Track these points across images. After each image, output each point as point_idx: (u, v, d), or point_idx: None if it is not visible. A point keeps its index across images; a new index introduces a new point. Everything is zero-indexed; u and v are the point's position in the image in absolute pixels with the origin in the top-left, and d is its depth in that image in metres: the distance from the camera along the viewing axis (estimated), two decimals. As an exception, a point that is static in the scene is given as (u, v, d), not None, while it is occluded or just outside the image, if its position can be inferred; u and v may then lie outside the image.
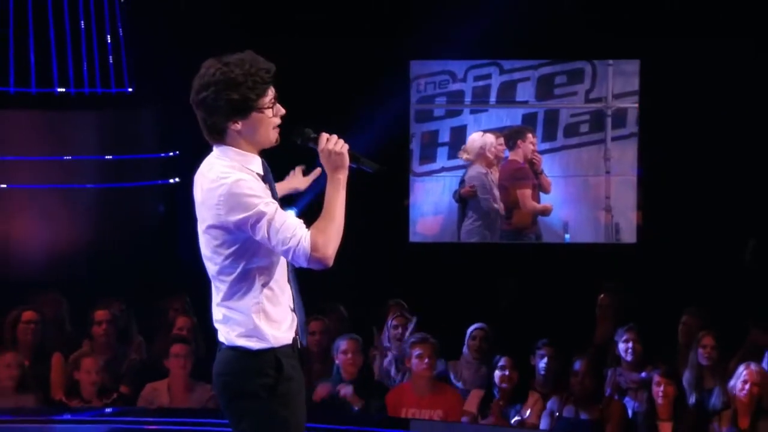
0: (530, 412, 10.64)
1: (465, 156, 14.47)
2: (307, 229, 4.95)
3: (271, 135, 5.17)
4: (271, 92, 5.16)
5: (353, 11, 15.22)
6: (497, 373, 10.95)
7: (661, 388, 10.20)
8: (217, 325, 5.32)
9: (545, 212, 14.82)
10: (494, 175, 14.63)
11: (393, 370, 11.60)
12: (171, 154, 16.15)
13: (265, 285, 5.14)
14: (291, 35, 15.57)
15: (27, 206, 15.68)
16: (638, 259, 14.37)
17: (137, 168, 16.01)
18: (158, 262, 14.90)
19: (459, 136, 14.86)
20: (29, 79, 15.32)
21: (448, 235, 14.98)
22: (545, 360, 11.11)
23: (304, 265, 5.06)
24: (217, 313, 5.28)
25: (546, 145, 14.64)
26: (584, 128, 14.67)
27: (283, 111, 5.25)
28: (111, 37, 15.90)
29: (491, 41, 14.61)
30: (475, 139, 14.46)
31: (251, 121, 5.11)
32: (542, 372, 11.15)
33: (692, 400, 10.81)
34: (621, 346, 11.36)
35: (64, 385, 11.98)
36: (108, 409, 11.52)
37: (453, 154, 14.80)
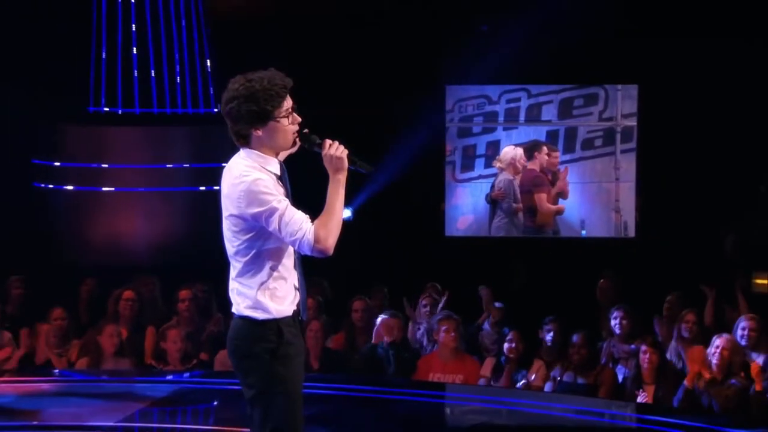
0: (535, 377, 10.57)
1: (498, 165, 14.44)
2: (311, 224, 5.07)
3: (288, 140, 5.20)
4: (286, 103, 5.14)
5: (399, 43, 14.69)
6: (506, 345, 10.90)
7: (647, 357, 10.14)
8: (231, 297, 5.28)
9: (559, 212, 14.60)
10: (518, 181, 14.59)
11: (425, 341, 11.44)
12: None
13: (273, 267, 5.17)
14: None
15: (132, 206, 15.54)
16: (636, 251, 14.20)
17: (220, 174, 15.49)
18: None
19: (493, 149, 14.69)
20: (133, 100, 15.10)
21: (482, 230, 14.76)
22: (551, 333, 10.86)
23: (308, 253, 5.15)
24: (232, 286, 5.26)
25: (566, 157, 14.40)
26: (598, 143, 14.37)
27: (299, 119, 5.21)
28: (200, 65, 15.68)
29: (520, 70, 14.36)
30: (508, 151, 14.43)
31: (270, 129, 5.11)
32: (548, 343, 10.86)
33: (674, 366, 10.64)
34: (613, 321, 11.10)
35: (154, 352, 11.99)
36: (188, 373, 11.59)
37: (488, 164, 14.57)
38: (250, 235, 5.12)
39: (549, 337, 10.73)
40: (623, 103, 14.29)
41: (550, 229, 14.56)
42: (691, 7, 13.60)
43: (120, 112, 14.41)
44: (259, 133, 5.09)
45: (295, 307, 5.26)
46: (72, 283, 13.02)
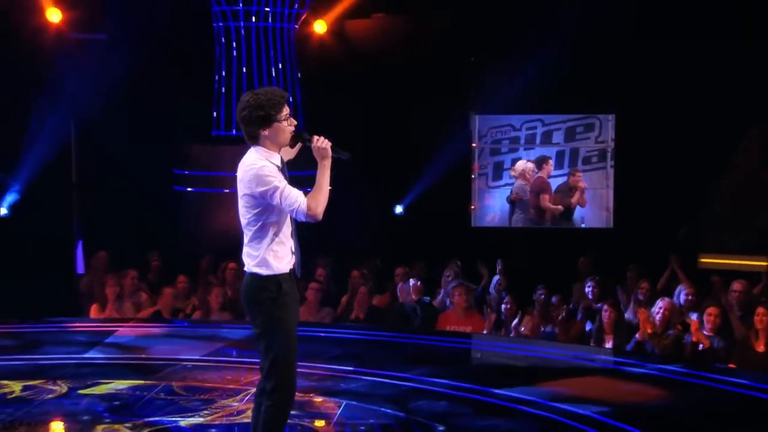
0: (524, 329, 10.70)
1: (513, 174, 14.47)
2: (305, 197, 5.01)
3: (287, 138, 5.17)
4: (285, 110, 5.12)
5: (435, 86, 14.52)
6: (503, 306, 11.12)
7: (608, 314, 10.12)
8: (243, 258, 5.20)
9: (558, 211, 14.49)
10: (529, 186, 14.56)
11: (447, 302, 11.43)
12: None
13: (275, 234, 5.11)
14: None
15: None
16: (611, 237, 14.10)
17: (306, 180, 14.82)
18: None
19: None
20: (231, 125, 14.84)
21: (504, 223, 14.70)
22: (542, 297, 11.00)
23: (303, 220, 5.09)
24: (245, 251, 5.18)
25: (586, 169, 14.37)
26: (594, 159, 14.36)
27: (294, 122, 5.19)
28: (293, 102, 14.94)
29: (535, 103, 14.22)
30: (520, 164, 14.46)
31: (273, 129, 5.08)
32: (538, 304, 11.00)
33: (631, 322, 10.50)
34: (587, 288, 11.22)
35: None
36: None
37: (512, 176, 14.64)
38: (258, 210, 5.09)
39: (539, 299, 10.83)
40: (614, 129, 14.27)
41: (555, 223, 14.43)
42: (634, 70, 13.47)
43: (234, 134, 14.33)
44: (265, 132, 5.06)
45: (291, 266, 5.21)
46: (195, 258, 13.10)
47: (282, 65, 14.53)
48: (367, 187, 14.17)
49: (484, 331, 10.65)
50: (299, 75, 14.71)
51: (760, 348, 8.87)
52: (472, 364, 9.52)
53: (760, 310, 9.02)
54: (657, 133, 13.07)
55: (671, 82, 12.83)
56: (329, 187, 5.14)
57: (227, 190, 13.68)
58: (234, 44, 14.44)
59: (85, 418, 7.06)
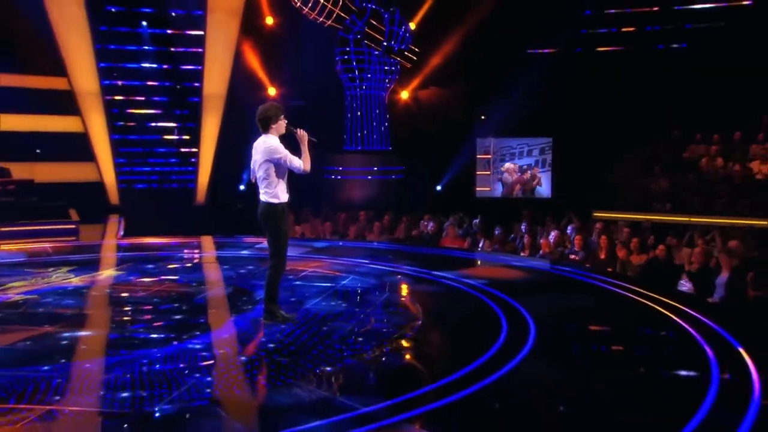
0: (484, 247, 10.40)
1: (503, 169, 14.40)
2: (300, 161, 4.96)
3: (283, 129, 5.03)
4: (283, 114, 5.03)
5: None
6: (478, 237, 10.69)
7: (527, 239, 9.92)
8: (260, 195, 5.06)
9: (527, 189, 14.12)
10: (512, 179, 14.23)
11: (445, 233, 11.21)
12: (400, 168, 15.03)
13: (279, 182, 4.93)
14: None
15: (358, 185, 14.56)
16: (547, 202, 13.66)
17: (399, 172, 14.75)
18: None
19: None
20: (358, 143, 14.59)
21: (497, 194, 14.40)
22: (496, 232, 10.59)
23: (300, 173, 4.99)
24: (261, 191, 5.01)
25: (543, 169, 14.04)
26: (544, 162, 14.01)
27: (286, 121, 5.04)
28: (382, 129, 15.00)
29: (520, 130, 13.99)
30: (508, 166, 14.24)
31: (276, 125, 4.99)
32: (496, 234, 10.59)
33: (539, 243, 10.27)
34: (522, 226, 10.80)
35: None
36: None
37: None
38: (269, 166, 4.94)
39: (497, 233, 10.77)
40: (551, 147, 13.90)
41: (524, 194, 14.20)
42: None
43: (360, 148, 14.77)
44: (273, 126, 5.01)
45: (286, 200, 5.09)
46: (336, 212, 12.93)
47: (379, 111, 14.51)
48: (425, 176, 14.67)
49: (464, 246, 10.74)
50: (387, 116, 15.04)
51: (602, 256, 9.32)
52: (435, 260, 8.86)
53: (603, 240, 9.22)
54: (574, 148, 13.06)
55: (583, 121, 12.76)
56: (309, 156, 5.07)
57: (355, 177, 14.49)
58: (355, 100, 14.48)
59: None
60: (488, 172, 14.20)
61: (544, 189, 14.11)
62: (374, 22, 13.44)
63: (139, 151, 12.91)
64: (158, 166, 13.25)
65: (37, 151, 11.74)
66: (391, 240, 11.28)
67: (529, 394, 3.97)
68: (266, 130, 5.07)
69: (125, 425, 3.44)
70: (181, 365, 4.35)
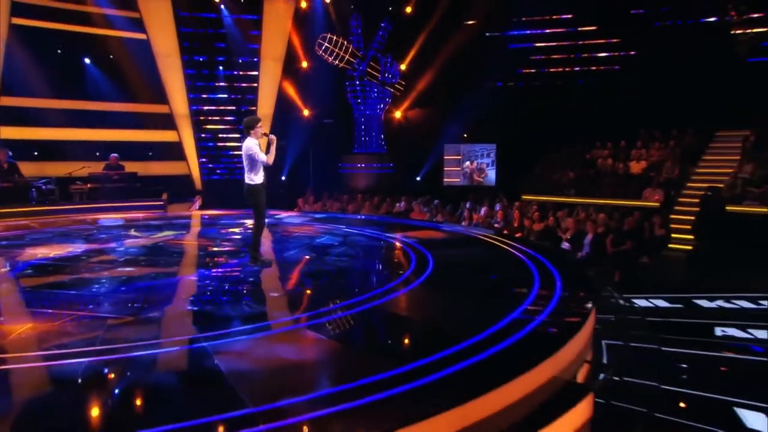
0: (439, 219, 10.19)
1: (465, 165, 13.85)
2: (265, 156, 4.76)
3: (259, 134, 4.83)
4: (261, 122, 4.85)
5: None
6: (435, 211, 10.60)
7: (467, 213, 9.83)
8: (245, 179, 4.91)
9: (481, 178, 13.84)
10: (470, 170, 13.89)
11: (415, 208, 10.97)
12: (391, 165, 14.84)
13: (259, 168, 4.78)
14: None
15: (361, 176, 14.42)
16: (490, 187, 13.41)
17: (390, 168, 14.56)
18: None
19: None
20: (363, 146, 14.24)
21: (460, 183, 13.93)
22: (448, 207, 10.47)
23: (265, 164, 4.81)
24: (246, 178, 4.86)
25: (490, 166, 13.72)
26: (490, 161, 13.67)
27: (263, 128, 4.85)
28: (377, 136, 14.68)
29: (483, 137, 13.71)
30: (467, 164, 13.81)
31: (255, 131, 4.80)
32: (448, 211, 10.56)
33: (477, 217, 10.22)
34: (467, 205, 10.62)
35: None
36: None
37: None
38: (250, 159, 4.80)
39: (448, 208, 10.80)
40: (495, 150, 13.66)
41: (479, 183, 14.06)
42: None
43: (363, 151, 14.39)
44: (252, 131, 4.79)
45: (262, 181, 4.89)
46: (349, 196, 12.65)
47: (376, 124, 14.19)
48: (409, 170, 14.37)
49: (425, 218, 10.43)
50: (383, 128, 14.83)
51: (515, 225, 9.13)
52: (393, 227, 8.19)
53: (516, 213, 9.33)
54: (511, 150, 13.10)
55: (518, 132, 12.86)
56: (274, 154, 4.94)
57: (362, 172, 14.24)
58: (360, 117, 14.23)
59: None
60: (458, 168, 13.81)
61: (491, 179, 13.76)
62: (373, 64, 13.63)
63: (214, 154, 13.38)
64: (227, 164, 13.53)
65: (149, 153, 12.43)
66: (375, 214, 10.87)
67: (411, 305, 4.12)
68: (248, 134, 4.94)
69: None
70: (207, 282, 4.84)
